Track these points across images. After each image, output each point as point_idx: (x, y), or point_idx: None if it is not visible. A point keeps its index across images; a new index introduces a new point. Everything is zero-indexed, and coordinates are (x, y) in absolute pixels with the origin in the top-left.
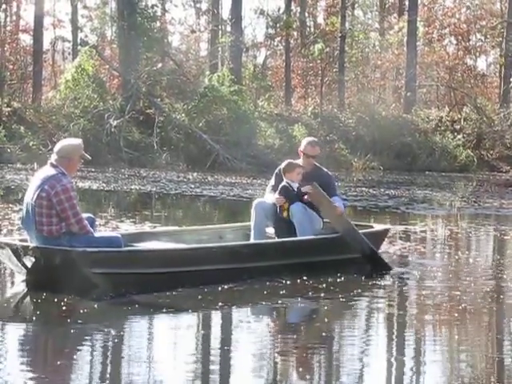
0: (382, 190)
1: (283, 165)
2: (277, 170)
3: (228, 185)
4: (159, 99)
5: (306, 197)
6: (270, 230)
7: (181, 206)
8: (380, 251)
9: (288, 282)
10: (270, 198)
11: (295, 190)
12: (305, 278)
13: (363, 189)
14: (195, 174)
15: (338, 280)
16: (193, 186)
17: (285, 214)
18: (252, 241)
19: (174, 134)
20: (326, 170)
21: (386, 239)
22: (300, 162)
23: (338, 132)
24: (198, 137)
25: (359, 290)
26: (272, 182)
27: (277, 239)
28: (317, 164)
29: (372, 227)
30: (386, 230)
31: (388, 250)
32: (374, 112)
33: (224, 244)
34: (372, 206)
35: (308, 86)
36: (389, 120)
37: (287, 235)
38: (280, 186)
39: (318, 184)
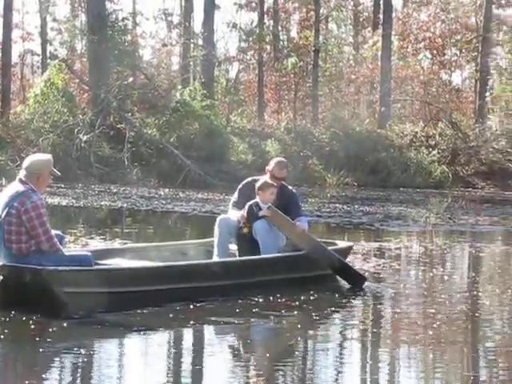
0: (357, 206)
1: (259, 183)
2: (240, 186)
3: (200, 201)
4: (130, 114)
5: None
6: (234, 247)
7: (151, 223)
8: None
9: (260, 300)
10: (234, 214)
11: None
12: (278, 295)
13: (337, 205)
14: (167, 190)
15: (311, 298)
16: (164, 202)
17: (245, 230)
18: (224, 259)
19: (145, 149)
20: (290, 188)
21: (350, 256)
22: (267, 179)
23: (311, 147)
24: (170, 152)
25: (332, 308)
26: (235, 197)
27: (243, 257)
28: (283, 182)
29: (336, 244)
30: (350, 247)
31: (362, 267)
32: (348, 127)
33: (194, 262)
34: (346, 223)
35: (281, 101)
36: (363, 135)
37: (249, 253)
38: (249, 203)
39: (283, 203)
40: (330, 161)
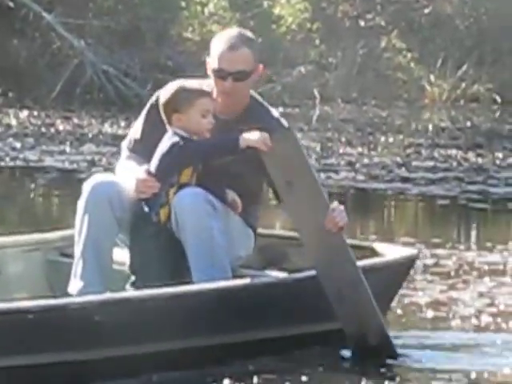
0: (500, 154)
1: (164, 95)
2: (149, 106)
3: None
4: None
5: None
6: (121, 254)
7: None
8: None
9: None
10: (132, 173)
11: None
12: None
13: (452, 151)
14: (25, 113)
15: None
16: (20, 145)
17: (162, 214)
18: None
19: None
20: (275, 114)
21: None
22: (207, 86)
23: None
24: (36, 19)
25: None
26: (136, 130)
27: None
28: (255, 97)
29: (375, 252)
30: (411, 259)
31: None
32: None
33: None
34: (474, 197)
35: None
36: None
37: (164, 267)
38: (162, 145)
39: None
40: (434, 42)
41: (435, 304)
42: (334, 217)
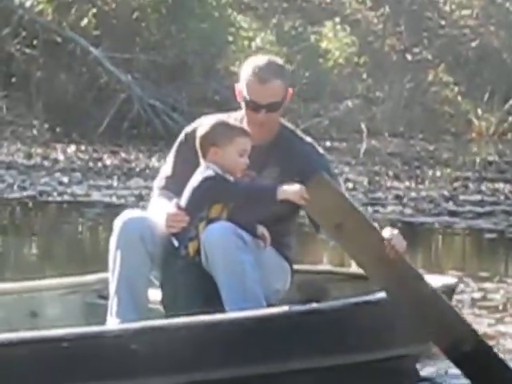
0: None
1: (203, 127)
2: (180, 140)
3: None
4: None
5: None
6: (156, 293)
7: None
8: None
9: None
10: (163, 209)
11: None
12: None
13: (499, 185)
14: (73, 148)
15: None
16: (68, 180)
17: (191, 248)
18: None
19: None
20: (308, 139)
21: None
22: (241, 121)
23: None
24: (80, 55)
25: None
26: (168, 166)
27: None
28: (284, 124)
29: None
30: (451, 287)
31: None
32: None
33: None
34: None
35: None
36: None
37: (196, 300)
38: (194, 179)
39: (288, 173)
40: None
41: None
42: (394, 245)
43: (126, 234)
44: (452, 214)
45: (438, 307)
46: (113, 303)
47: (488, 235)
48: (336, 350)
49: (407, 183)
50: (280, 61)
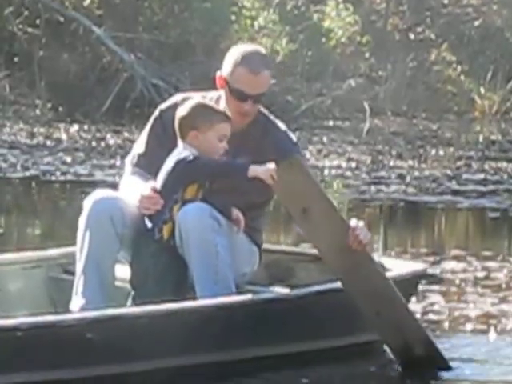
0: None
1: (184, 108)
2: (154, 118)
3: None
4: None
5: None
6: (123, 271)
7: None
8: None
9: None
10: (136, 189)
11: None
12: None
13: (502, 164)
14: (76, 127)
15: None
16: (71, 160)
17: (165, 231)
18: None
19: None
20: (282, 127)
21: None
22: (219, 103)
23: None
24: (80, 31)
25: None
26: (141, 144)
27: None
28: (260, 110)
29: (383, 267)
30: (418, 275)
31: None
32: None
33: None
34: None
35: None
36: None
37: (167, 284)
38: (170, 160)
39: (260, 158)
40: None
41: (486, 317)
42: (357, 235)
43: (96, 215)
44: (455, 193)
45: (393, 306)
46: (79, 282)
47: (491, 214)
48: (303, 337)
49: (410, 162)
50: (264, 50)
